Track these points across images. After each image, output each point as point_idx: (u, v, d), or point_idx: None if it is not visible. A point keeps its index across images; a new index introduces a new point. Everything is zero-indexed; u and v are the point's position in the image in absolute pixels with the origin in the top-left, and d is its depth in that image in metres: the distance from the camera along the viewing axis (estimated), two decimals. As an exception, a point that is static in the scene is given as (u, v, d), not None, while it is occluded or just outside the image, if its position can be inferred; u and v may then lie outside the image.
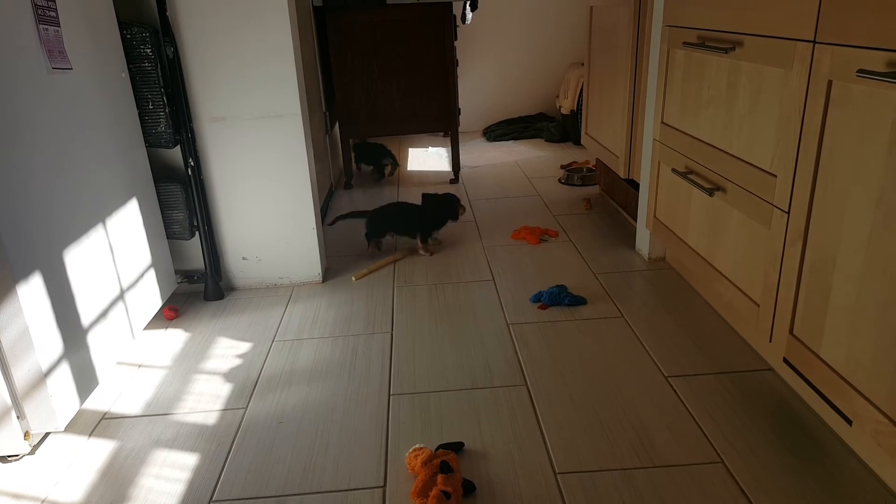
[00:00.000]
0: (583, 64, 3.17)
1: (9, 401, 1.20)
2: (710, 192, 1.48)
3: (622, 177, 2.23)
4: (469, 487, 1.12)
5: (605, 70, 2.33)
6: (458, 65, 3.35)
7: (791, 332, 1.21)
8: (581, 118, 2.74)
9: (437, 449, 1.20)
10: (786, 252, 1.20)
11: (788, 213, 1.19)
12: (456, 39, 3.03)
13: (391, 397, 1.40)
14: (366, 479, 1.16)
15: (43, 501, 1.15)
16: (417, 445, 1.21)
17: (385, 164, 3.23)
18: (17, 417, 1.22)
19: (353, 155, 3.12)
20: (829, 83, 1.04)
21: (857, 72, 0.94)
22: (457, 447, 1.22)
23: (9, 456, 1.26)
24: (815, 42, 1.08)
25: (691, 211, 1.64)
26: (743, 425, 1.25)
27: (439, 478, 1.09)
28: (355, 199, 2.88)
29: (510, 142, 3.80)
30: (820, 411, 1.27)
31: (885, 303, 0.96)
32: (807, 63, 1.10)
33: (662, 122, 1.78)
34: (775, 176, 1.23)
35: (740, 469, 1.14)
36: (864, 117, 0.97)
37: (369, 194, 2.95)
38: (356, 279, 2.01)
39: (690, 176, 1.60)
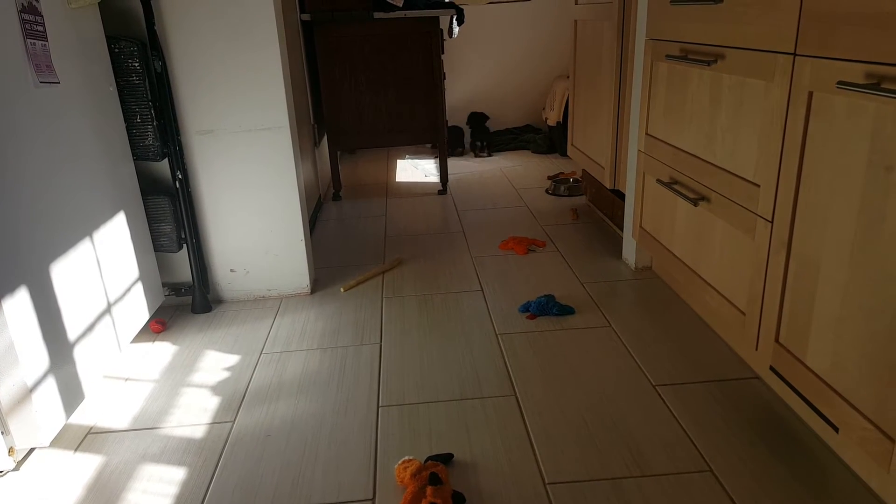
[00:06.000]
0: (568, 76, 3.21)
1: (-8, 416, 1.18)
2: (695, 202, 1.50)
3: (608, 187, 2.25)
4: (459, 499, 1.12)
5: (591, 82, 2.36)
6: (445, 78, 3.38)
7: (777, 340, 1.22)
8: (567, 130, 2.77)
9: (426, 460, 1.20)
10: (770, 261, 1.22)
11: (772, 222, 1.21)
12: (443, 53, 3.05)
13: (380, 409, 1.39)
14: (355, 491, 1.16)
15: (27, 519, 1.14)
16: (406, 457, 1.21)
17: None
18: (2, 433, 1.20)
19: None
20: (810, 95, 1.07)
21: (837, 83, 0.96)
22: (446, 459, 1.21)
23: (-8, 473, 1.24)
24: (795, 54, 1.10)
25: (676, 221, 1.66)
26: (731, 433, 1.26)
27: (429, 490, 1.09)
28: (344, 210, 2.88)
29: (495, 156, 3.83)
30: (807, 419, 1.28)
31: (869, 310, 0.97)
32: (788, 75, 1.12)
33: (647, 134, 1.80)
34: (758, 186, 1.25)
35: (729, 477, 1.15)
36: (845, 128, 0.99)
37: (358, 206, 2.95)
38: (344, 290, 2.01)
39: (675, 186, 1.62)
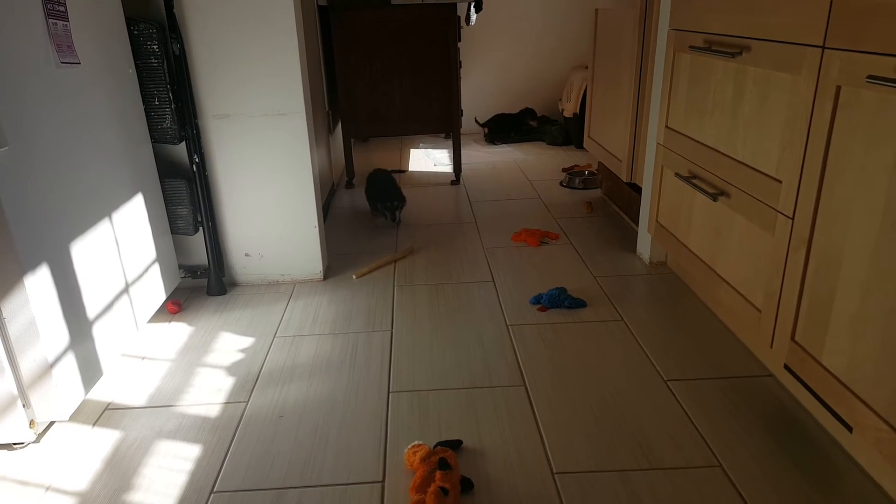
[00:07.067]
0: (586, 67, 3.18)
1: (15, 390, 1.20)
2: (714, 197, 1.49)
3: (624, 180, 2.23)
4: (467, 485, 1.12)
5: (610, 73, 2.34)
6: (461, 66, 3.36)
7: (793, 338, 1.21)
8: (584, 121, 2.75)
9: (435, 446, 1.21)
10: (789, 258, 1.21)
11: (793, 219, 1.19)
12: (459, 41, 3.04)
13: (390, 394, 1.40)
14: (365, 473, 1.17)
15: (48, 489, 1.16)
16: (416, 442, 1.21)
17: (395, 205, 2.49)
18: (23, 406, 1.22)
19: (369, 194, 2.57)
20: (838, 89, 1.05)
21: (867, 77, 0.95)
22: (455, 445, 1.22)
23: (14, 444, 1.26)
24: (824, 47, 1.08)
25: (694, 215, 1.65)
26: (742, 430, 1.26)
27: (437, 474, 1.10)
28: (357, 198, 2.89)
29: (509, 146, 3.82)
30: (820, 418, 1.27)
31: (889, 310, 0.96)
32: (815, 68, 1.11)
33: (667, 127, 1.78)
34: (780, 181, 1.24)
35: (739, 474, 1.15)
36: (873, 123, 0.98)
37: (372, 193, 2.95)
38: (357, 277, 2.01)
39: (694, 180, 1.61)
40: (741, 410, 1.32)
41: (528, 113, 3.91)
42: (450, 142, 3.96)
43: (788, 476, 1.14)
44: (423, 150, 3.81)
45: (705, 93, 1.55)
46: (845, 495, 1.09)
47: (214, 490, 1.14)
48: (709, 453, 1.20)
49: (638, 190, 2.20)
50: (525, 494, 1.11)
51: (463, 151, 3.65)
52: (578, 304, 1.78)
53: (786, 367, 1.24)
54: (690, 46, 1.57)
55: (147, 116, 1.72)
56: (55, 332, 1.23)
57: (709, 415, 1.30)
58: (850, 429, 1.17)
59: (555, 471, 1.16)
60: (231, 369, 1.53)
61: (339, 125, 3.24)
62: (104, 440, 1.29)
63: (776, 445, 1.21)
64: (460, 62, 3.02)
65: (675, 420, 1.29)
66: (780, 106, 1.24)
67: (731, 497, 1.09)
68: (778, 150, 1.24)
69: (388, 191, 2.50)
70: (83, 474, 1.19)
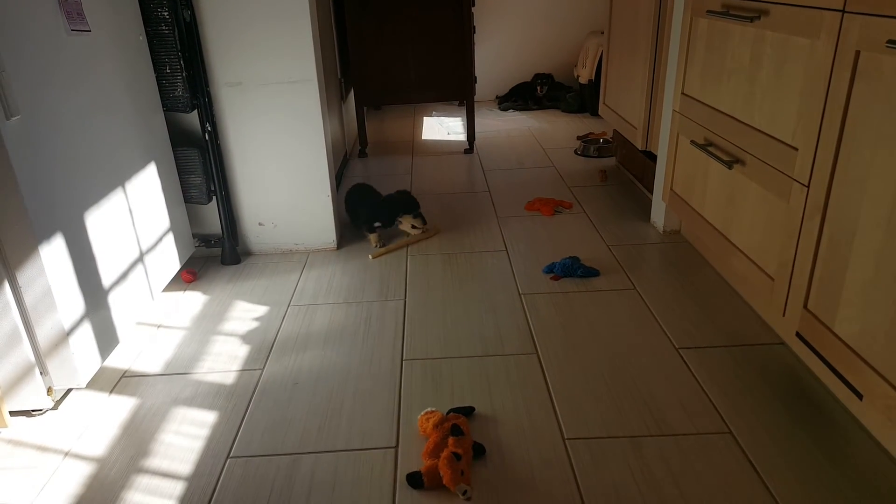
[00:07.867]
0: (602, 32, 3.11)
1: (32, 357, 1.23)
2: (729, 165, 1.46)
3: (639, 148, 2.20)
4: (479, 450, 1.14)
5: (626, 39, 2.29)
6: (475, 31, 3.30)
7: (805, 306, 1.20)
8: (599, 88, 2.71)
9: (448, 412, 1.23)
10: (804, 226, 1.20)
11: (808, 186, 1.17)
12: (473, 5, 2.98)
13: (404, 362, 1.42)
14: (379, 439, 1.19)
15: (66, 454, 1.19)
16: (429, 409, 1.23)
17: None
18: (41, 373, 1.25)
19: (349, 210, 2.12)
20: (857, 54, 1.02)
21: (887, 42, 0.92)
22: (467, 411, 1.24)
23: (33, 410, 1.30)
24: (843, 11, 1.05)
25: (709, 184, 1.62)
26: (752, 398, 1.26)
27: (450, 440, 1.12)
28: (370, 167, 2.88)
29: (523, 114, 3.77)
30: (831, 385, 1.27)
31: (902, 278, 0.95)
32: (834, 33, 1.08)
33: (683, 93, 1.75)
34: (796, 149, 1.21)
35: (748, 440, 1.15)
36: (892, 90, 0.95)
37: (384, 163, 2.94)
38: (373, 258, 1.97)
39: (709, 148, 1.58)
40: (752, 378, 1.32)
41: (538, 78, 3.84)
42: (463, 110, 3.91)
43: (798, 443, 1.14)
44: (435, 118, 3.77)
45: (722, 59, 1.51)
46: (855, 462, 1.09)
47: (230, 455, 1.17)
48: (719, 420, 1.20)
49: (653, 158, 2.17)
50: (537, 460, 1.13)
51: (476, 119, 3.61)
52: (591, 272, 1.77)
53: (798, 335, 1.24)
54: (708, 11, 1.53)
55: (158, 84, 1.71)
56: (71, 300, 1.25)
57: (719, 382, 1.31)
58: (860, 396, 1.17)
59: (566, 437, 1.18)
60: (246, 337, 1.55)
61: (352, 93, 3.22)
62: (121, 407, 1.32)
63: (786, 412, 1.22)
64: (474, 27, 2.96)
65: (686, 387, 1.30)
66: (797, 72, 1.20)
67: (741, 463, 1.10)
68: (795, 118, 1.22)
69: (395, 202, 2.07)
70: (101, 440, 1.23)
